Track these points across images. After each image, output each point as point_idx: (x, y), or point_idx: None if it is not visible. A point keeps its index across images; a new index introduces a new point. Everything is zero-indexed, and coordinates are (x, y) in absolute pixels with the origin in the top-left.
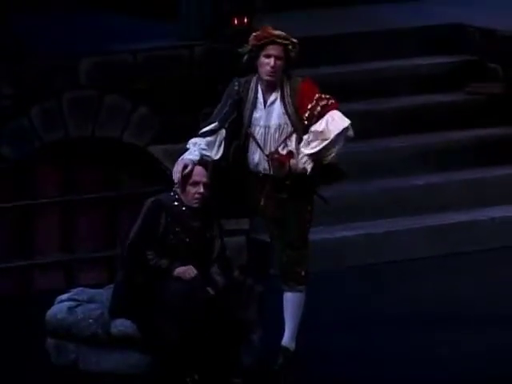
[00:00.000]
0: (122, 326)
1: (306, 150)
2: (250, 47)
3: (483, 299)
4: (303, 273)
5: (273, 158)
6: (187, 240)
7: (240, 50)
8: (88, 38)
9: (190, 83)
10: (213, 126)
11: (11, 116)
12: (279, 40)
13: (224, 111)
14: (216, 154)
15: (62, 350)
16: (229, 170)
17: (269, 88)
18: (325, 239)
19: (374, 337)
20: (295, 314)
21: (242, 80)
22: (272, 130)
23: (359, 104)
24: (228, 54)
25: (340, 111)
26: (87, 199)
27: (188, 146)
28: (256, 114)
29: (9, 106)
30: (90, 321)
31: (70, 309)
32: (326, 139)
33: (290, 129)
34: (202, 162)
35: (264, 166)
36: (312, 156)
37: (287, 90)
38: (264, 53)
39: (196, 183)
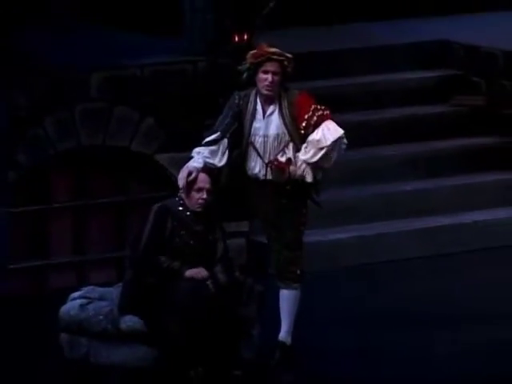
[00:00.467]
0: (130, 321)
1: (306, 158)
2: (248, 65)
3: (468, 297)
4: (298, 272)
5: (273, 165)
6: (191, 242)
7: (240, 67)
8: (98, 53)
9: (193, 96)
10: (215, 135)
11: (27, 126)
12: (275, 57)
13: (225, 122)
14: (219, 161)
15: (74, 345)
16: (230, 177)
17: (267, 100)
18: (320, 241)
19: (367, 334)
20: (291, 311)
21: (242, 93)
22: (271, 139)
23: (353, 115)
24: (229, 68)
25: (334, 121)
26: (98, 204)
27: (192, 154)
28: (256, 125)
29: (24, 116)
30: (101, 317)
31: (81, 306)
32: (323, 147)
33: (287, 138)
34: (206, 169)
35: (263, 172)
36: (311, 164)
37: (285, 103)
38: (262, 69)
39: (200, 189)
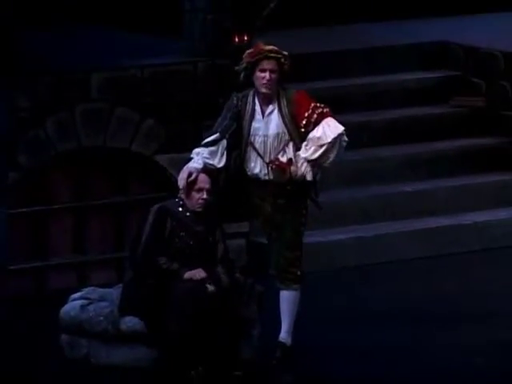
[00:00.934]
0: (130, 322)
1: (307, 156)
2: (245, 64)
3: (468, 298)
4: (298, 272)
5: (274, 164)
6: (191, 243)
7: (236, 68)
8: (99, 54)
9: (193, 97)
10: (214, 136)
11: (28, 127)
12: (272, 54)
13: (224, 123)
14: (219, 162)
15: (74, 345)
16: (230, 177)
17: (266, 100)
18: (320, 242)
19: (366, 335)
20: (291, 311)
21: (240, 95)
22: (271, 139)
23: (353, 116)
24: (228, 69)
25: (334, 119)
26: (98, 204)
27: (192, 155)
28: (255, 125)
29: (25, 117)
30: (101, 318)
31: (82, 307)
32: (324, 144)
33: (287, 137)
34: (205, 170)
35: (264, 172)
36: (311, 162)
37: (283, 101)
38: (259, 68)
39: (200, 189)
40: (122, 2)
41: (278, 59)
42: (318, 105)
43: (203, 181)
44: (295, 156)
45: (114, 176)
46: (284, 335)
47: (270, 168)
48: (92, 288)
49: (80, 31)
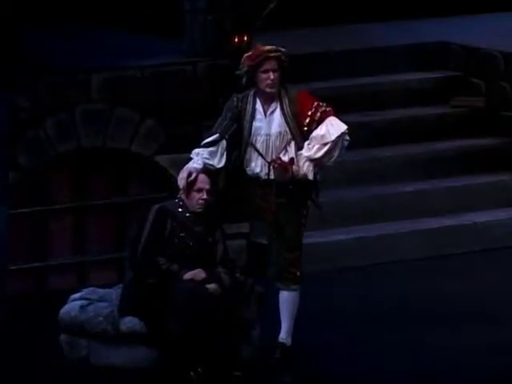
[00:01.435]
0: (130, 323)
1: (310, 155)
2: (246, 68)
3: (468, 298)
4: (298, 273)
5: (276, 163)
6: (191, 244)
7: (237, 72)
8: (99, 54)
9: (193, 97)
10: (214, 137)
11: (28, 127)
12: (272, 54)
13: (224, 124)
14: (218, 163)
15: (74, 346)
16: (230, 178)
17: (268, 99)
18: (320, 242)
19: (367, 335)
20: (291, 312)
21: (240, 96)
22: (273, 138)
23: (353, 116)
24: (229, 69)
25: (337, 117)
26: (98, 205)
27: (192, 155)
28: (256, 124)
29: (25, 118)
30: (101, 318)
31: (82, 307)
32: (327, 143)
33: (289, 136)
34: (205, 170)
35: (265, 172)
36: (314, 161)
37: (285, 101)
38: (261, 69)
39: (200, 189)
40: (122, 3)
41: (278, 58)
42: (321, 103)
43: (203, 181)
44: (297, 155)
45: (114, 176)
46: (284, 335)
47: (271, 167)
48: (92, 288)
49: (80, 32)
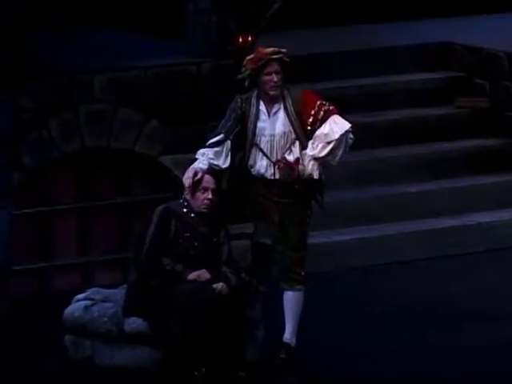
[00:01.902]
0: (134, 323)
1: (315, 153)
2: (248, 71)
3: (472, 299)
4: (303, 273)
5: (281, 163)
6: (196, 244)
7: (240, 76)
8: (102, 55)
9: (197, 97)
10: (219, 137)
11: (32, 128)
12: (274, 56)
13: (228, 125)
14: (223, 163)
15: (78, 346)
16: (234, 178)
17: (271, 100)
18: (324, 242)
19: (371, 335)
20: (295, 312)
21: (244, 96)
22: (277, 138)
23: (357, 117)
24: (232, 70)
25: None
26: (102, 205)
27: (197, 156)
28: (260, 125)
29: (29, 118)
30: (105, 319)
31: (86, 307)
32: (331, 141)
33: (293, 136)
34: (210, 170)
35: (270, 172)
36: (319, 160)
37: (288, 100)
38: (264, 72)
39: (205, 189)
40: (125, 3)
41: (280, 59)
42: (324, 102)
43: (208, 181)
44: (302, 155)
45: (118, 177)
46: (288, 336)
47: (276, 167)
48: (96, 289)
49: (84, 32)
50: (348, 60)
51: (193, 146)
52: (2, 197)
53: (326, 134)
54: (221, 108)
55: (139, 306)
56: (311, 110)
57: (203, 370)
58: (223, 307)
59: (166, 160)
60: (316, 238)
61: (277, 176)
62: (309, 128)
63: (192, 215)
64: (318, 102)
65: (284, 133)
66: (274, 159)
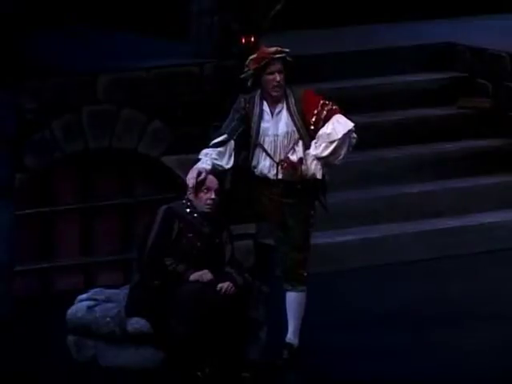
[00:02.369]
0: (137, 323)
1: (318, 153)
2: (251, 71)
3: (474, 299)
4: (305, 274)
5: (285, 163)
6: (199, 245)
7: (243, 76)
8: (105, 56)
9: (200, 98)
10: (222, 137)
11: (34, 128)
12: (277, 55)
13: (232, 125)
14: (227, 163)
15: (81, 347)
16: (238, 179)
17: (274, 100)
18: (326, 243)
19: (373, 336)
20: (298, 313)
21: (247, 97)
22: (281, 138)
23: (358, 117)
24: (235, 70)
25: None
26: (105, 206)
27: (200, 156)
28: (264, 125)
29: (32, 119)
30: (108, 319)
31: (89, 308)
32: (334, 141)
33: (296, 136)
34: (213, 170)
35: (273, 172)
36: (321, 160)
37: (291, 100)
38: (267, 71)
39: (208, 190)
40: (129, 4)
41: (283, 59)
42: (327, 102)
43: (212, 181)
44: (305, 155)
45: (121, 177)
46: (291, 336)
47: (280, 167)
48: (99, 289)
49: (87, 33)
50: (350, 60)
51: (196, 146)
52: (4, 197)
53: (328, 134)
54: (224, 108)
55: (142, 306)
56: (314, 110)
57: (206, 370)
58: (225, 308)
59: (169, 160)
60: (318, 239)
61: (280, 176)
62: (312, 128)
63: (195, 215)
64: (321, 102)
65: (287, 133)
66: (277, 159)
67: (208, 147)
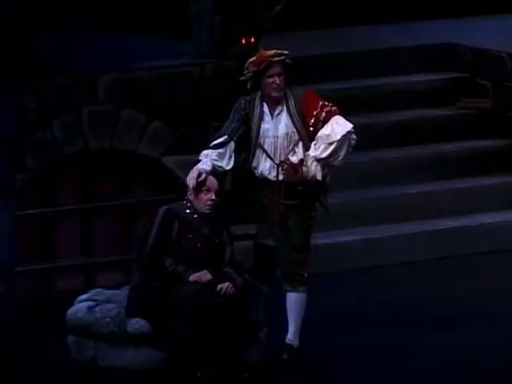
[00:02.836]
0: (137, 324)
1: (317, 155)
2: (250, 74)
3: (475, 299)
4: (306, 275)
5: (286, 164)
6: (198, 245)
7: (242, 78)
8: (106, 56)
9: (200, 98)
10: (223, 139)
11: (35, 129)
12: (276, 59)
13: (232, 126)
14: (227, 164)
15: (81, 347)
16: (238, 180)
17: (274, 102)
18: (327, 244)
19: (374, 336)
20: (298, 313)
21: (248, 98)
22: (280, 139)
23: (359, 118)
24: (236, 71)
25: (343, 117)
26: (105, 206)
27: (200, 157)
28: (264, 126)
29: (33, 119)
30: (108, 319)
31: (89, 308)
32: (333, 142)
33: (296, 137)
34: (213, 171)
35: (273, 173)
36: (321, 161)
37: (291, 101)
38: (266, 74)
39: (208, 190)
40: (129, 4)
41: (282, 61)
42: (326, 103)
43: (212, 182)
44: (305, 156)
45: (121, 178)
46: (291, 337)
47: (280, 168)
48: (99, 290)
49: (87, 33)
50: (351, 61)
51: (196, 147)
52: (5, 198)
53: (327, 135)
54: (224, 109)
55: (142, 306)
56: (313, 111)
57: (206, 371)
58: (225, 308)
59: (169, 161)
60: (318, 239)
61: (280, 177)
62: (311, 129)
63: (195, 216)
64: (320, 103)
65: (287, 134)
66: (277, 161)
67: (208, 148)
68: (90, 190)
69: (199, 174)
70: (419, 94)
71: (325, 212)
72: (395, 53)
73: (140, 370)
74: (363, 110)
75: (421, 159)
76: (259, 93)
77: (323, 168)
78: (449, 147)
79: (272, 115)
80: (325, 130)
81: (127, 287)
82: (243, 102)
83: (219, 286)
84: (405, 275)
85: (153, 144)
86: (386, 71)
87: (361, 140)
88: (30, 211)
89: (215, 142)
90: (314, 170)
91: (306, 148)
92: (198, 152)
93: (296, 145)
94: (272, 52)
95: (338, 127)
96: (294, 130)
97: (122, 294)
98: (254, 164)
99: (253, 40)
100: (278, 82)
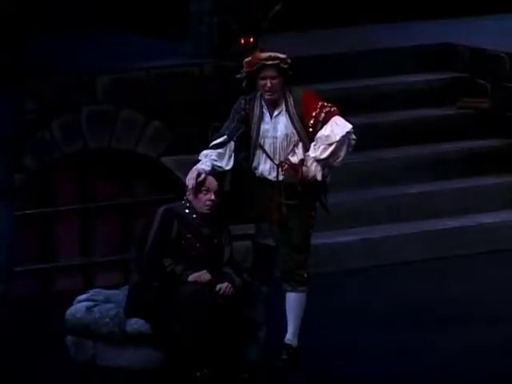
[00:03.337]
0: (136, 324)
1: (316, 155)
2: (245, 74)
3: (473, 300)
4: (305, 275)
5: (286, 165)
6: (198, 245)
7: (238, 76)
8: (105, 56)
9: (199, 98)
10: (222, 139)
11: (34, 129)
12: (269, 62)
13: (232, 126)
14: (226, 164)
15: (80, 347)
16: (238, 180)
17: (272, 103)
18: (326, 243)
19: (372, 336)
20: (297, 313)
21: (248, 98)
22: (280, 140)
23: (358, 118)
24: (235, 71)
25: (342, 117)
26: (104, 206)
27: (200, 157)
28: (264, 127)
29: (32, 119)
30: (107, 319)
31: (88, 308)
32: (333, 143)
33: (296, 138)
34: (213, 171)
35: (273, 174)
36: (321, 162)
37: (290, 102)
38: (259, 76)
39: (208, 190)
40: (128, 5)
41: (276, 65)
42: (326, 104)
43: (211, 182)
44: (305, 156)
45: (120, 178)
46: (290, 337)
47: (280, 169)
48: (98, 290)
49: (86, 34)
50: (350, 61)
51: (195, 147)
52: (4, 198)
53: (327, 136)
54: (223, 109)
55: (141, 306)
56: (312, 112)
57: (205, 371)
58: (224, 308)
59: (168, 161)
60: (317, 239)
61: (280, 178)
62: (310, 130)
63: (194, 216)
64: (320, 104)
65: (286, 135)
66: (277, 161)
67: (208, 148)
68: (89, 190)
69: (198, 174)
70: (418, 93)
71: (325, 212)
72: (394, 53)
73: (139, 369)
74: (362, 110)
75: (420, 159)
76: (259, 93)
77: (323, 168)
78: (448, 147)
79: (271, 116)
80: (324, 131)
81: (126, 287)
82: (243, 101)
83: (218, 286)
84: (404, 275)
85: (152, 144)
86: (385, 71)
87: (360, 140)
88: (29, 211)
89: (215, 141)
90: (314, 170)
91: (306, 148)
92: (198, 152)
93: (296, 145)
94: (266, 55)
95: (337, 128)
96: (294, 131)
97: (121, 294)
98: (254, 164)
99: (252, 40)
100: (269, 85)
